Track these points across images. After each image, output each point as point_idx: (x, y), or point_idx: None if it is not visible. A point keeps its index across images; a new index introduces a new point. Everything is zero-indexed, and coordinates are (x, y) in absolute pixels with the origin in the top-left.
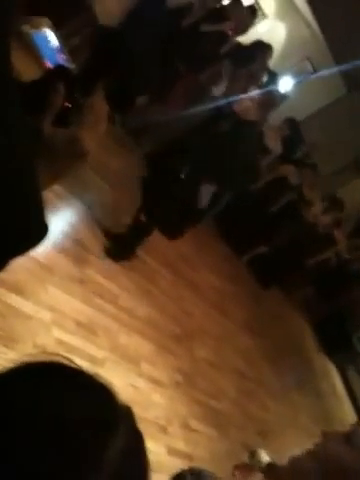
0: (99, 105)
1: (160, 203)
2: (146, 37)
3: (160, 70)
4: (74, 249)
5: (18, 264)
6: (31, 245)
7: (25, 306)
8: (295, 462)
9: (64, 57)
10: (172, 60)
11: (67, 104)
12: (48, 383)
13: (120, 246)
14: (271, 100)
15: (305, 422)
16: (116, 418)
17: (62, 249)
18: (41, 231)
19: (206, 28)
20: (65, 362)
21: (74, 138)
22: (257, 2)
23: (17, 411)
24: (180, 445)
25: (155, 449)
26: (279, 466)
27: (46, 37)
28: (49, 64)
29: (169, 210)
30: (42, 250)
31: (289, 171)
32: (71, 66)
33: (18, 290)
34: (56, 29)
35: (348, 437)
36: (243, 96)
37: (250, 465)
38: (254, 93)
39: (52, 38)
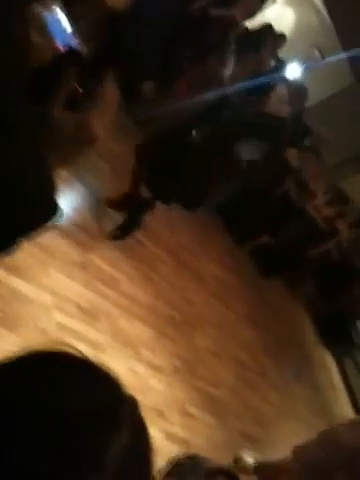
0: (110, 92)
1: (171, 174)
2: (154, 21)
3: (167, 55)
4: (76, 233)
5: (20, 247)
6: (42, 221)
7: (26, 289)
8: (302, 452)
9: (76, 40)
10: (179, 45)
11: (78, 89)
12: (51, 373)
13: (123, 224)
14: (300, 94)
15: (303, 413)
16: (120, 413)
17: (64, 233)
18: (51, 208)
19: (215, 13)
20: (70, 351)
21: (83, 124)
22: None
23: (17, 407)
24: (178, 431)
25: (153, 434)
26: (273, 462)
27: (58, 19)
28: (61, 47)
29: (184, 180)
30: (44, 234)
31: (291, 154)
32: (83, 50)
33: (20, 273)
34: (67, 11)
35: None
36: (271, 95)
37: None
38: (282, 90)
39: (64, 20)
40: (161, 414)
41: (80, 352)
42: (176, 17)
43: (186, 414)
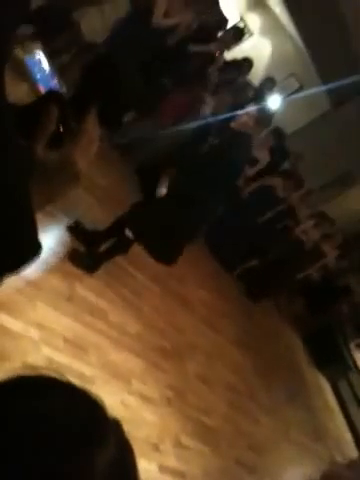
0: (91, 128)
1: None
2: (131, 54)
3: (146, 87)
4: (62, 266)
5: (5, 283)
6: (24, 262)
7: (13, 324)
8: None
9: (56, 81)
10: (158, 77)
11: (60, 127)
12: (35, 396)
13: (93, 255)
14: (266, 117)
15: (297, 436)
16: (105, 431)
17: (50, 266)
18: (34, 249)
19: (193, 48)
20: (54, 376)
21: (67, 160)
22: (243, 19)
23: (1, 427)
24: (172, 462)
25: (147, 467)
26: None
27: (39, 61)
28: (42, 88)
29: (161, 232)
30: (30, 268)
31: (276, 182)
32: (63, 90)
33: (6, 308)
34: (45, 48)
35: None
36: (241, 112)
37: None
38: (252, 109)
39: (44, 62)
40: (155, 447)
41: (62, 375)
42: (153, 50)
43: (180, 445)
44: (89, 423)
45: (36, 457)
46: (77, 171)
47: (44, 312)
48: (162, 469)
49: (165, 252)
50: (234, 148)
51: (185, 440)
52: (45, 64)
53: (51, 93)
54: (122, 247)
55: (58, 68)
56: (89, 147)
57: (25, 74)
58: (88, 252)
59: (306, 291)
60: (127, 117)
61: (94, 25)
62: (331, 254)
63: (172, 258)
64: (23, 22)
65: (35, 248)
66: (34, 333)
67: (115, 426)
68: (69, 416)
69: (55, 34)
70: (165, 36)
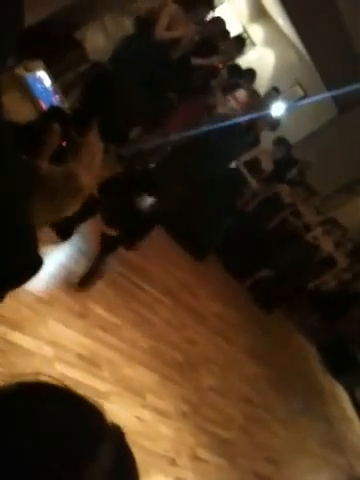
0: (94, 142)
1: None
2: (135, 70)
3: (152, 102)
4: (73, 282)
5: (18, 300)
6: (25, 278)
7: (26, 342)
8: None
9: (58, 97)
10: (163, 92)
11: (63, 143)
12: (28, 402)
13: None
14: (272, 123)
15: (315, 447)
16: (101, 436)
17: (61, 283)
18: (34, 264)
19: (196, 62)
20: (52, 382)
21: (71, 175)
22: (245, 30)
23: None
24: (190, 476)
25: None
26: None
27: (40, 79)
28: (44, 105)
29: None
30: (41, 285)
31: (283, 190)
32: (65, 106)
33: (19, 327)
34: (48, 67)
35: None
36: (229, 96)
37: None
38: (240, 93)
39: (46, 80)
40: (172, 461)
41: (61, 382)
42: (157, 65)
43: (197, 458)
44: (83, 431)
45: (28, 465)
46: (81, 185)
47: (56, 329)
48: None
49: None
50: (222, 135)
51: (202, 453)
52: (47, 81)
53: (53, 110)
54: (90, 211)
55: (61, 84)
56: (92, 161)
57: (27, 92)
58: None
59: (319, 300)
60: (134, 132)
61: (98, 43)
62: (342, 262)
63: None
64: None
65: (35, 263)
66: (47, 350)
67: (114, 433)
68: (62, 424)
69: (59, 54)
70: (168, 50)
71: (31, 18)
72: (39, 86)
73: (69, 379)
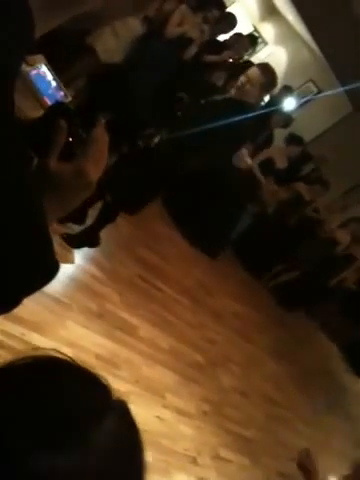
0: (101, 136)
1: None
2: (148, 72)
3: (165, 102)
4: (91, 283)
5: (36, 302)
6: (43, 282)
7: (45, 343)
8: None
9: (62, 92)
10: (176, 91)
11: (70, 139)
12: (34, 377)
13: (85, 234)
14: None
15: (338, 446)
16: (106, 405)
17: (79, 284)
18: (51, 268)
19: (209, 59)
20: (58, 356)
21: (80, 171)
22: (256, 29)
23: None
24: (212, 476)
25: None
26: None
27: (43, 74)
28: (48, 101)
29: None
30: (59, 286)
31: (301, 187)
32: (69, 100)
33: (37, 328)
34: (58, 69)
35: None
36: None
37: None
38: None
39: (48, 75)
40: (193, 460)
41: (69, 357)
42: (170, 66)
43: (219, 458)
44: (89, 400)
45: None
46: (90, 181)
47: (75, 330)
48: None
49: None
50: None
51: (224, 453)
52: (50, 76)
53: (58, 106)
54: (108, 215)
55: (65, 79)
56: (100, 156)
57: (30, 88)
58: (80, 231)
59: (341, 298)
60: (147, 132)
61: (109, 45)
62: None
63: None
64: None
65: (52, 267)
66: (65, 351)
67: (118, 405)
68: (71, 393)
69: (71, 60)
70: (181, 50)
71: (43, 28)
72: (42, 81)
73: None
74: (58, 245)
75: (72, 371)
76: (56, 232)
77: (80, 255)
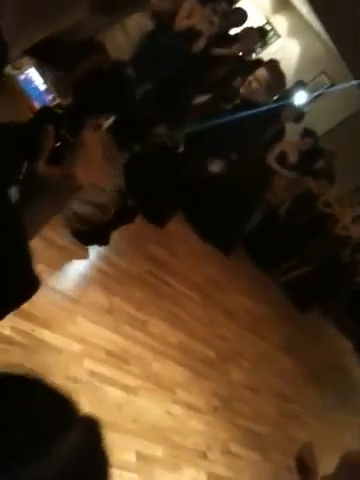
0: (89, 139)
1: (150, 184)
2: (158, 68)
3: (174, 98)
4: (101, 279)
5: (46, 298)
6: (23, 299)
7: (55, 339)
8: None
9: (51, 95)
10: (185, 86)
11: (58, 143)
12: (12, 390)
13: (97, 231)
14: (276, 83)
15: (352, 442)
16: (71, 421)
17: (89, 280)
18: (32, 283)
19: (218, 52)
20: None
21: (68, 175)
22: (269, 22)
23: None
24: (222, 471)
25: (196, 476)
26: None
27: (30, 77)
28: (37, 105)
29: (160, 192)
30: (69, 282)
31: (309, 182)
32: (57, 102)
33: (47, 324)
34: (67, 68)
35: None
36: (251, 78)
37: None
38: (260, 73)
39: (37, 78)
40: (203, 455)
41: (34, 373)
42: (180, 60)
43: (229, 453)
44: (54, 415)
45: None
46: (79, 184)
47: (84, 326)
48: (212, 477)
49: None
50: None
51: (234, 448)
52: (38, 80)
53: (45, 111)
54: (127, 216)
55: (53, 82)
56: (88, 158)
57: (19, 91)
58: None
59: (354, 294)
60: (157, 130)
61: (118, 42)
62: None
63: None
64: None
65: (32, 282)
66: (75, 347)
67: (85, 421)
68: (38, 408)
69: (80, 58)
70: (190, 43)
71: (25, 42)
72: (30, 85)
73: (98, 375)
74: (70, 242)
75: (41, 388)
76: (68, 227)
77: (90, 251)
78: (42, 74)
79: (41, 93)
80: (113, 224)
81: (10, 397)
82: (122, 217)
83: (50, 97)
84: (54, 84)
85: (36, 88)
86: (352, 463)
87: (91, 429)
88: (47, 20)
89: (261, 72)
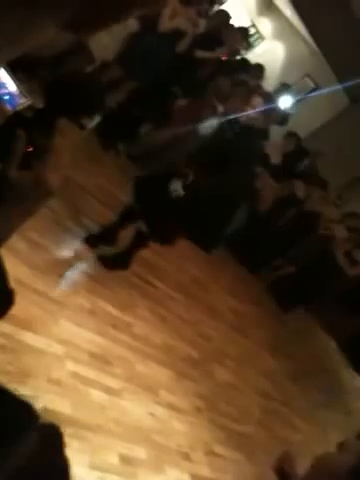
0: (59, 142)
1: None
2: (144, 68)
3: (159, 97)
4: (83, 281)
5: (28, 300)
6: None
7: (37, 341)
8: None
9: (22, 99)
10: (170, 86)
11: (29, 148)
12: None
13: (118, 256)
14: (281, 116)
15: (336, 440)
16: (29, 427)
17: (71, 281)
18: (7, 298)
19: (201, 55)
20: None
21: (40, 180)
22: (254, 24)
23: None
24: (205, 472)
25: (180, 477)
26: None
27: (1, 80)
28: (9, 108)
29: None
30: (51, 284)
31: (296, 186)
32: (28, 105)
33: (29, 326)
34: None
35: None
36: (249, 108)
37: None
38: (258, 104)
39: (7, 80)
40: (186, 456)
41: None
42: (165, 60)
43: (212, 454)
44: (14, 421)
45: None
46: (49, 188)
47: (67, 327)
48: (195, 478)
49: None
50: (245, 141)
51: (217, 448)
52: (9, 82)
53: (16, 116)
54: (141, 242)
55: (28, 90)
56: (59, 162)
57: None
58: (115, 252)
59: (339, 295)
60: (142, 129)
61: (102, 42)
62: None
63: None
64: None
65: (8, 296)
66: (58, 349)
67: (44, 427)
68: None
69: (63, 58)
70: (174, 43)
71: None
72: (2, 89)
73: (81, 377)
74: (53, 243)
75: (4, 396)
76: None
77: (72, 253)
78: (12, 76)
79: (12, 96)
80: (130, 250)
81: None
82: (137, 243)
83: (21, 100)
84: (26, 86)
85: (7, 91)
86: (320, 468)
87: (50, 435)
88: (14, 43)
89: (257, 101)
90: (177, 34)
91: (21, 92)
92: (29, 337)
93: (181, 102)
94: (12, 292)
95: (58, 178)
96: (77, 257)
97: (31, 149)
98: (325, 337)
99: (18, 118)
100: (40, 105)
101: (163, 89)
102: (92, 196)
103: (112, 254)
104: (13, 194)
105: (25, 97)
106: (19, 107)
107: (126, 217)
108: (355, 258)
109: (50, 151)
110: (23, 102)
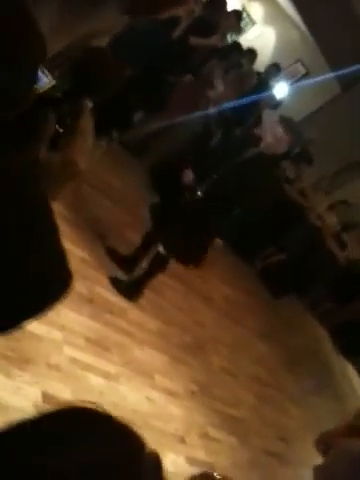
0: (86, 125)
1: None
2: (137, 53)
3: (154, 84)
4: (81, 268)
5: None
6: (55, 299)
7: (36, 328)
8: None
9: (46, 78)
10: (163, 73)
11: (59, 129)
12: (71, 431)
13: (135, 283)
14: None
15: (327, 425)
16: (139, 459)
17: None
18: (66, 282)
19: (196, 42)
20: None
21: (69, 161)
22: (245, 9)
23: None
24: (200, 455)
25: (175, 459)
26: None
27: None
28: (37, 87)
29: (186, 235)
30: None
31: (286, 166)
32: (53, 84)
33: None
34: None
35: None
36: (265, 133)
37: None
38: (277, 129)
39: None
40: (182, 440)
41: (102, 409)
42: (158, 47)
43: (207, 437)
44: (121, 464)
45: None
46: (77, 170)
47: (65, 314)
48: (190, 461)
49: (193, 256)
50: (259, 171)
51: (212, 432)
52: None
53: (45, 97)
54: (159, 264)
55: (53, 70)
56: (85, 144)
57: None
58: (129, 279)
59: (330, 282)
60: (136, 117)
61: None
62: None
63: (201, 260)
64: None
65: (67, 281)
66: (56, 335)
67: (152, 463)
68: (101, 456)
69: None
70: (169, 30)
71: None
72: None
73: (79, 362)
74: None
75: (109, 422)
76: None
77: (69, 240)
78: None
79: (40, 78)
80: (148, 277)
81: (83, 430)
82: (156, 266)
83: (45, 79)
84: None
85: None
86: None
87: (156, 467)
88: (81, 21)
89: (279, 131)
90: (171, 21)
91: (44, 71)
92: (28, 323)
93: (187, 78)
94: (71, 275)
95: (85, 160)
96: (74, 244)
97: (61, 130)
98: (317, 325)
99: (47, 99)
100: (64, 84)
101: (157, 76)
102: (83, 180)
103: (127, 282)
104: (43, 176)
105: (48, 76)
106: (46, 87)
107: (147, 245)
108: (343, 240)
109: (77, 133)
110: (47, 81)
